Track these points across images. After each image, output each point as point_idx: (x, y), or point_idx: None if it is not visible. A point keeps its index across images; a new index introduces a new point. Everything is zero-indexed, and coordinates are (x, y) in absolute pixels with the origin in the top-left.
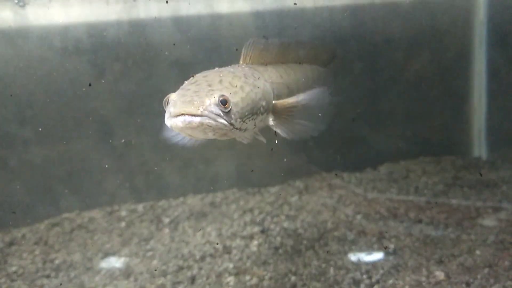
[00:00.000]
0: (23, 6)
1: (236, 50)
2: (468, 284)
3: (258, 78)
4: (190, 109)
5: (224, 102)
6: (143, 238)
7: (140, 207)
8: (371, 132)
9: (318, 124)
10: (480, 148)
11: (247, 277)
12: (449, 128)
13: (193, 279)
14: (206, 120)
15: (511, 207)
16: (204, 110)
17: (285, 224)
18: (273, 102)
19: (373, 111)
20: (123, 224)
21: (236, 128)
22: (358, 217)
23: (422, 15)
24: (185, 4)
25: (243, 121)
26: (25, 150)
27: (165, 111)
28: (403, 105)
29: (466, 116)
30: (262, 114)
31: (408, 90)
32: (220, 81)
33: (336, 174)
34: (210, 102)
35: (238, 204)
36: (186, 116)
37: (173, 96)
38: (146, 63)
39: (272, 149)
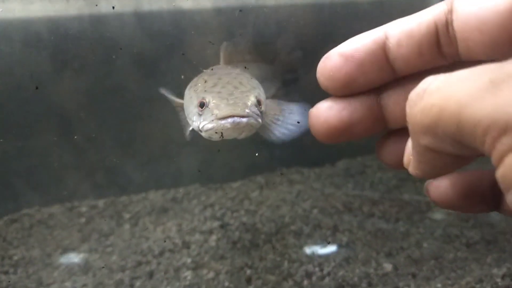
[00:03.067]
0: None
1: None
2: (414, 275)
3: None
4: (237, 110)
5: (259, 103)
6: (103, 233)
7: (100, 203)
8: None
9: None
10: None
11: (205, 271)
12: None
13: (151, 274)
14: (251, 120)
15: None
16: (249, 111)
17: (245, 219)
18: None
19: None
20: (83, 220)
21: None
22: (315, 211)
23: (380, 15)
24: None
25: (263, 121)
26: None
27: (199, 113)
28: None
29: None
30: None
31: None
32: (241, 83)
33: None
34: (251, 103)
35: (199, 200)
36: (235, 118)
37: (209, 98)
38: (107, 58)
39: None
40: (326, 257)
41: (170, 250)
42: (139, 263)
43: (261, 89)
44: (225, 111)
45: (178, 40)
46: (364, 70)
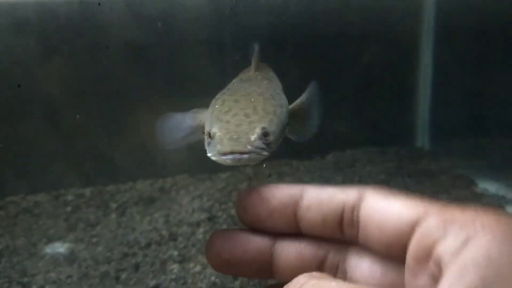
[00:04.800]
0: None
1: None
2: None
3: (279, 92)
4: (239, 147)
5: (266, 135)
6: (89, 223)
7: (87, 192)
8: (322, 122)
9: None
10: (423, 139)
11: (191, 265)
12: (395, 119)
13: (137, 267)
14: (253, 156)
15: (446, 196)
16: (251, 147)
17: (233, 212)
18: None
19: (324, 101)
20: (69, 208)
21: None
22: None
23: (374, 9)
24: None
25: (275, 146)
26: None
27: (208, 142)
28: (353, 96)
29: (412, 107)
30: (285, 130)
31: (358, 81)
32: (255, 108)
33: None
34: (255, 138)
35: (187, 190)
36: (236, 155)
37: (215, 130)
38: (96, 44)
39: None
40: None
41: (157, 242)
42: (125, 255)
43: (280, 110)
44: (227, 147)
45: (169, 27)
46: (272, 216)
